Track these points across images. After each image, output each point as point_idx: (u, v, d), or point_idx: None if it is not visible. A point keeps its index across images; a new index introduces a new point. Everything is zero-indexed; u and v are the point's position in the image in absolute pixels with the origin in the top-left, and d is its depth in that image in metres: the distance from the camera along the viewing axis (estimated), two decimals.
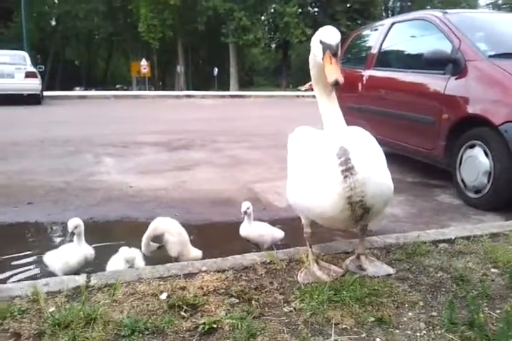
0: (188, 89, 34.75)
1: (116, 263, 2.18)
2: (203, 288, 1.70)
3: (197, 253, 2.49)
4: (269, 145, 6.20)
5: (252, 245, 2.59)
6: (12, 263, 2.45)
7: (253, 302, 1.60)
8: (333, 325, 1.45)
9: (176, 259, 2.42)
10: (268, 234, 2.57)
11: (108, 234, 3.10)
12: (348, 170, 1.56)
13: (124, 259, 2.16)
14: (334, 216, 1.64)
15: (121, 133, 7.79)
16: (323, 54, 1.59)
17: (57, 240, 2.90)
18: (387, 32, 5.25)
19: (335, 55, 1.57)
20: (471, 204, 3.51)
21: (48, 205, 3.51)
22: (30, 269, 2.38)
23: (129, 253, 2.20)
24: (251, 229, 2.54)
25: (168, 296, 1.63)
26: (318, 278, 1.79)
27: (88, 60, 52.04)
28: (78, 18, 41.76)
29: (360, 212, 1.60)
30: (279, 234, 2.64)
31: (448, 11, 4.58)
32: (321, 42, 1.61)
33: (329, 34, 1.61)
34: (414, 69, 4.42)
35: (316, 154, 1.75)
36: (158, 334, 1.42)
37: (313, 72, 1.74)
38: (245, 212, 2.53)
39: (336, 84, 1.50)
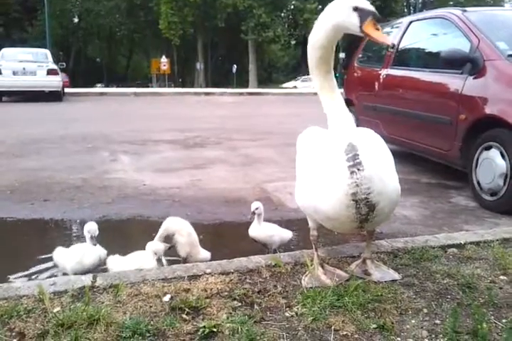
0: (207, 86, 34.94)
1: (142, 256, 2.21)
2: (206, 291, 1.70)
3: (205, 254, 2.49)
4: (284, 144, 6.18)
5: (260, 246, 2.59)
6: (25, 261, 2.50)
7: (255, 306, 1.60)
8: (333, 332, 1.44)
9: (185, 260, 2.44)
10: (276, 234, 2.56)
11: (120, 232, 3.14)
12: (355, 166, 1.55)
13: (152, 251, 2.18)
14: (339, 214, 1.61)
15: (138, 130, 7.86)
16: (362, 21, 1.50)
17: (71, 238, 2.95)
18: (405, 30, 5.17)
19: (379, 19, 1.52)
20: (486, 206, 3.44)
21: (64, 202, 3.56)
22: (43, 267, 2.42)
23: (157, 245, 2.23)
24: (260, 229, 2.54)
25: (172, 298, 1.64)
26: (322, 282, 1.78)
27: (109, 57, 52.53)
28: (100, 16, 42.32)
29: (365, 210, 1.58)
30: (287, 234, 2.63)
31: (467, 8, 4.49)
32: (356, 9, 1.50)
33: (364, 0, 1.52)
34: (432, 68, 4.35)
35: (322, 153, 1.73)
36: (159, 337, 1.43)
37: (317, 55, 1.64)
38: (253, 213, 2.53)
39: (393, 46, 1.52)
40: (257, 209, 2.53)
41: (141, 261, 2.17)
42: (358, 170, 1.55)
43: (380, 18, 1.51)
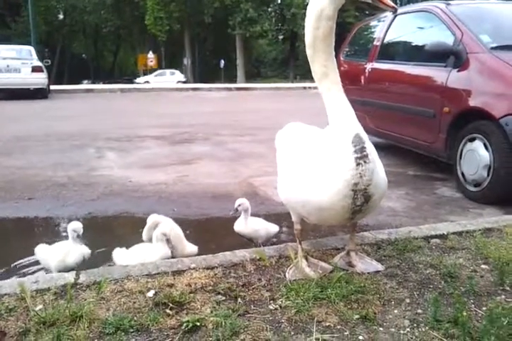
0: (194, 81, 34.76)
1: (146, 249, 2.26)
2: (190, 285, 1.70)
3: (192, 248, 2.50)
4: (271, 139, 6.05)
5: (246, 240, 2.59)
6: (9, 259, 2.48)
7: (239, 299, 1.61)
8: (316, 323, 1.45)
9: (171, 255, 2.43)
10: (262, 229, 2.56)
11: (106, 229, 3.12)
12: (362, 158, 1.56)
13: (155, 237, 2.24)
14: (334, 204, 1.61)
15: (125, 127, 7.82)
16: None
17: (56, 235, 2.93)
18: (390, 24, 5.19)
19: None
20: (470, 197, 3.48)
21: (48, 200, 3.54)
22: (27, 265, 2.40)
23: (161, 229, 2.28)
24: (245, 224, 2.54)
25: (155, 293, 1.64)
26: (306, 274, 1.78)
27: (95, 54, 52.13)
28: (85, 12, 41.86)
29: (361, 201, 1.59)
30: (273, 228, 2.63)
31: (451, 2, 4.51)
32: None
33: None
34: (417, 61, 4.37)
35: (316, 144, 1.74)
36: (142, 332, 1.43)
37: (319, 32, 1.60)
38: (236, 210, 2.53)
39: (395, 11, 1.60)
40: (239, 205, 2.53)
41: (145, 253, 2.20)
42: (365, 162, 1.56)
43: None
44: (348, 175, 1.56)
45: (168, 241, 2.25)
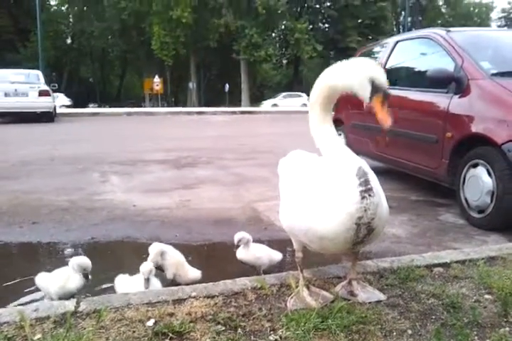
0: (199, 105, 35.11)
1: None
2: (191, 315, 1.69)
3: (196, 274, 2.48)
4: (275, 163, 6.07)
5: (249, 267, 2.57)
6: (12, 286, 2.47)
7: (239, 330, 1.59)
8: None
9: (172, 281, 2.42)
10: (265, 256, 2.54)
11: (109, 254, 3.11)
12: (367, 191, 1.56)
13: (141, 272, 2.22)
14: (337, 236, 1.61)
15: (129, 150, 7.88)
16: (373, 95, 1.55)
17: (59, 261, 2.92)
18: (392, 50, 5.27)
19: (386, 99, 1.55)
20: (474, 224, 3.46)
21: (52, 225, 3.54)
22: (30, 292, 2.39)
23: (145, 266, 2.25)
24: (247, 251, 2.53)
25: (155, 323, 1.63)
26: (307, 304, 1.77)
27: (102, 78, 52.90)
28: (93, 37, 42.71)
29: (363, 233, 1.59)
30: (277, 256, 2.61)
31: (451, 29, 4.59)
32: (372, 82, 1.54)
33: (383, 75, 1.55)
34: (418, 87, 4.42)
35: (321, 175, 1.74)
36: None
37: (321, 101, 1.70)
38: (238, 246, 2.52)
39: (389, 130, 1.55)
40: (239, 241, 2.52)
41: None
42: (370, 195, 1.56)
43: (388, 95, 1.54)
44: (353, 209, 1.56)
45: (145, 280, 2.20)
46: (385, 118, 1.56)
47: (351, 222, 1.57)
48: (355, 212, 1.56)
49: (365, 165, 1.64)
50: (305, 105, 28.82)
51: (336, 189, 1.62)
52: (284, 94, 34.82)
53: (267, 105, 32.62)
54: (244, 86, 37.72)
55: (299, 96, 32.81)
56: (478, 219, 3.42)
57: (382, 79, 1.55)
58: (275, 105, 31.65)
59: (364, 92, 1.57)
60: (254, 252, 2.54)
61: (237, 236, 2.53)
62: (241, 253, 2.54)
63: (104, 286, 2.43)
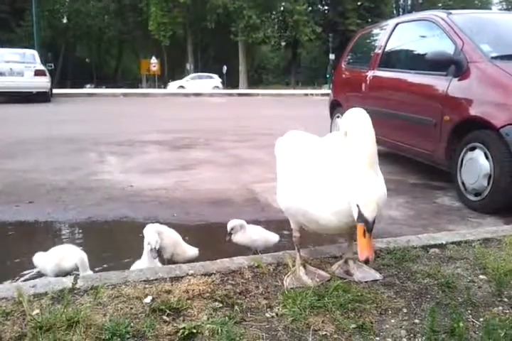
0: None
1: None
2: (188, 292, 1.70)
3: (193, 251, 2.49)
4: (272, 145, 6.10)
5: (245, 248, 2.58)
6: (8, 263, 2.48)
7: (236, 307, 1.60)
8: (313, 332, 1.45)
9: (170, 260, 2.43)
10: (260, 238, 2.53)
11: (106, 233, 3.12)
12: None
13: (155, 232, 2.23)
14: (334, 221, 1.62)
15: (126, 131, 7.84)
16: (357, 219, 1.48)
17: (55, 239, 2.94)
18: (392, 32, 5.21)
19: (370, 230, 1.46)
20: (471, 207, 3.48)
21: (49, 204, 3.54)
22: (26, 269, 2.40)
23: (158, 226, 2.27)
24: (243, 234, 2.51)
25: (153, 300, 1.64)
26: (303, 282, 1.78)
27: (98, 58, 52.33)
28: (89, 16, 42.09)
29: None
30: (273, 237, 2.59)
31: (452, 11, 4.54)
32: (358, 207, 1.47)
33: (371, 201, 1.46)
34: (417, 70, 4.38)
35: (319, 158, 1.72)
36: (139, 338, 1.42)
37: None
38: (230, 234, 2.50)
39: (366, 262, 1.46)
40: (232, 229, 2.50)
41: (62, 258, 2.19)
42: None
43: (370, 229, 1.44)
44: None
45: (152, 250, 2.20)
46: (364, 248, 1.45)
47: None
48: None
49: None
50: (217, 87, 27.84)
51: (334, 178, 1.61)
52: (192, 75, 32.14)
53: (172, 87, 29.30)
54: (242, 68, 37.43)
55: (210, 77, 30.65)
56: (475, 202, 3.43)
57: (369, 209, 1.46)
58: (181, 87, 28.42)
59: (353, 211, 1.50)
60: (250, 234, 2.52)
61: (230, 224, 2.51)
62: (237, 236, 2.53)
63: (102, 266, 2.43)
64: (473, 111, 3.50)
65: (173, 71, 47.55)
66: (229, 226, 2.51)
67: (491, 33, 4.25)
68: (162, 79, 38.34)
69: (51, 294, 1.66)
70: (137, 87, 34.57)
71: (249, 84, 37.39)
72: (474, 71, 3.61)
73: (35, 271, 2.30)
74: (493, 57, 3.65)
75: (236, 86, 35.14)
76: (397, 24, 5.22)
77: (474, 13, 4.75)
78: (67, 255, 2.17)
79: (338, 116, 5.94)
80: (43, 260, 2.20)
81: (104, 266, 2.39)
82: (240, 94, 20.93)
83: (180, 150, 6.15)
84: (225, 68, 32.89)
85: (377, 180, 1.56)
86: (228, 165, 5.11)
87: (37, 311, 1.54)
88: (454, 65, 3.78)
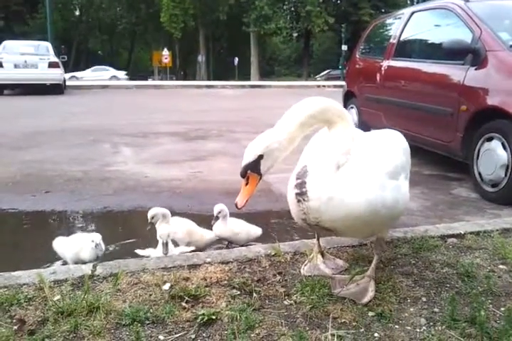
0: (208, 79, 34.80)
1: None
2: (206, 279, 1.71)
3: (210, 235, 2.48)
4: None
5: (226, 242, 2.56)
6: (27, 251, 2.51)
7: (254, 294, 1.61)
8: (332, 319, 1.45)
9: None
10: (242, 231, 2.49)
11: (121, 223, 3.15)
12: (300, 195, 1.44)
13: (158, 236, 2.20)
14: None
15: (140, 123, 7.86)
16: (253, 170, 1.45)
17: (72, 229, 2.97)
18: (407, 21, 5.15)
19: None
20: (487, 198, 3.44)
21: (65, 194, 3.58)
22: (44, 257, 2.43)
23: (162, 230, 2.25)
24: (224, 227, 2.45)
25: (171, 287, 1.65)
26: (321, 271, 1.78)
27: (111, 50, 52.46)
28: (101, 8, 42.17)
29: (322, 230, 1.54)
30: (255, 231, 2.55)
31: None
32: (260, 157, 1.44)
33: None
34: (434, 59, 4.33)
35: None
36: (158, 324, 1.44)
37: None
38: (217, 217, 2.44)
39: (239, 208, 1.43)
40: (219, 212, 2.43)
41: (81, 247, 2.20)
42: (304, 200, 1.43)
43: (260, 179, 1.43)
44: (296, 210, 1.49)
45: (163, 245, 2.14)
46: (241, 194, 1.46)
47: (300, 221, 1.52)
48: (298, 213, 1.48)
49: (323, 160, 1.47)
50: (115, 77, 30.77)
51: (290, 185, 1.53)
52: (94, 67, 34.60)
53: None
54: (253, 59, 37.21)
55: (106, 70, 33.64)
56: (492, 193, 3.39)
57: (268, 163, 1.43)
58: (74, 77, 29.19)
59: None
60: (232, 227, 2.46)
61: (217, 207, 2.44)
62: (218, 229, 2.45)
63: (118, 254, 2.45)
64: (491, 100, 3.45)
65: (184, 63, 47.55)
66: (216, 210, 2.44)
67: (510, 21, 4.17)
68: (174, 71, 38.35)
69: (71, 280, 1.68)
70: (149, 79, 34.64)
71: (260, 75, 37.20)
72: (492, 60, 3.55)
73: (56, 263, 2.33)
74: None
75: (248, 78, 35.01)
76: (412, 13, 5.14)
77: (492, 0, 4.64)
78: (86, 246, 2.17)
79: (352, 107, 5.90)
80: (63, 247, 2.22)
81: (121, 254, 2.41)
82: (252, 86, 20.84)
83: (193, 141, 6.16)
84: (236, 60, 32.75)
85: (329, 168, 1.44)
86: (241, 156, 5.07)
87: (58, 297, 1.56)
88: (471, 54, 3.72)
